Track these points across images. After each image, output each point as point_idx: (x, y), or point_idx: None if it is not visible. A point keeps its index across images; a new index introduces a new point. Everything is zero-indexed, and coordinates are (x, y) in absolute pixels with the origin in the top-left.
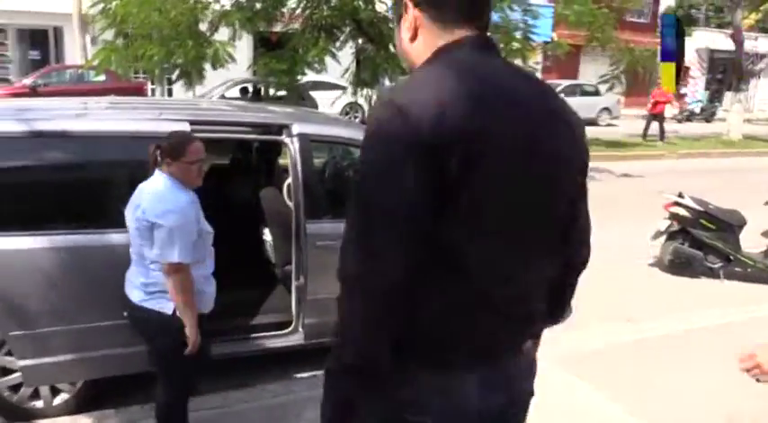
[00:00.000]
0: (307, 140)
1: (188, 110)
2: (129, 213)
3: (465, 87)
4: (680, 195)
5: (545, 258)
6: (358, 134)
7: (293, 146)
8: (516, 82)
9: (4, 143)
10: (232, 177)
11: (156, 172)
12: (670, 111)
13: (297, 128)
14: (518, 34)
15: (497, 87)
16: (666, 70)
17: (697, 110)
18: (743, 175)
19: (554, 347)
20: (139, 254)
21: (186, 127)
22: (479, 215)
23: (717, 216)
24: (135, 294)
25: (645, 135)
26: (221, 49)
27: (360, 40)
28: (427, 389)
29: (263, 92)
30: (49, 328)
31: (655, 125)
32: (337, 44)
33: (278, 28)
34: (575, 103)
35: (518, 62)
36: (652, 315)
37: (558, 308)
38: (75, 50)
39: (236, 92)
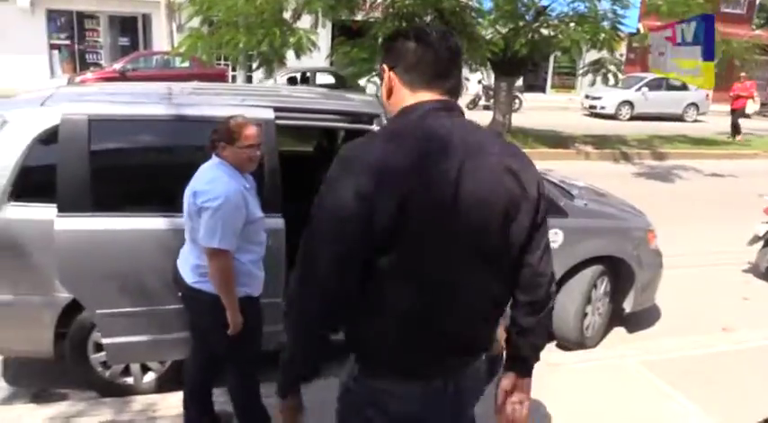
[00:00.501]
0: None
1: (270, 96)
2: (185, 196)
3: (407, 150)
4: None
5: (485, 296)
6: None
7: None
8: (470, 140)
9: (105, 126)
10: (316, 165)
11: (213, 156)
12: (752, 106)
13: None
14: (606, 24)
15: (442, 148)
16: (707, 69)
17: None
18: None
19: (647, 355)
20: (192, 236)
21: (271, 114)
22: (411, 259)
23: None
24: (188, 276)
25: (733, 133)
26: (305, 37)
27: None
28: (381, 393)
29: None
30: (135, 308)
31: (741, 121)
32: None
33: (358, 17)
34: (659, 97)
35: (604, 53)
36: (748, 325)
37: (530, 348)
38: (162, 37)
39: (283, 81)
